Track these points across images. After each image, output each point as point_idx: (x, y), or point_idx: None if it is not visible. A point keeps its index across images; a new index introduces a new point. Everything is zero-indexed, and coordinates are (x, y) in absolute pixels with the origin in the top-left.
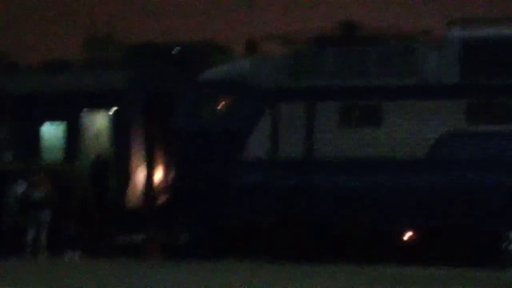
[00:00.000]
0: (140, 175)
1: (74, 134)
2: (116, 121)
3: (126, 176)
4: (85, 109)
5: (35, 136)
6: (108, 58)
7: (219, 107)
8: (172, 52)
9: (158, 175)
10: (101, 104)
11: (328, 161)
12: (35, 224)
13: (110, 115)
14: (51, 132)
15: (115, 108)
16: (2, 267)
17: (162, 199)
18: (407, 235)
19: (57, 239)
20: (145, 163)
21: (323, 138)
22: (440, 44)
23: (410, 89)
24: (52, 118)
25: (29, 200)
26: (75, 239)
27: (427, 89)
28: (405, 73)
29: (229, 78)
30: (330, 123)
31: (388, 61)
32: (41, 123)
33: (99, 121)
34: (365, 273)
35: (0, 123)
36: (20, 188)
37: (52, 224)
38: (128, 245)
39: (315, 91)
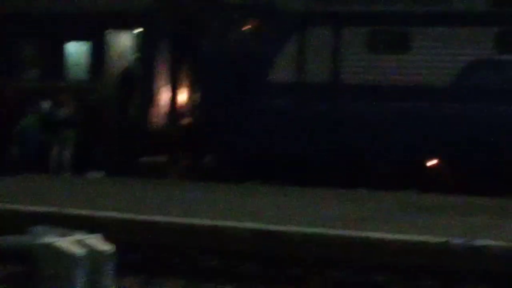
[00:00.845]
0: (165, 97)
1: (99, 53)
2: (141, 41)
3: (151, 96)
4: (110, 29)
5: (61, 55)
6: None
7: (245, 30)
8: None
9: (183, 97)
10: (126, 24)
11: (355, 86)
12: (60, 143)
13: (135, 35)
14: (76, 51)
15: (140, 29)
16: (27, 184)
17: (186, 121)
18: (432, 163)
19: (81, 158)
20: (170, 85)
21: (350, 64)
22: None
23: (438, 15)
24: (78, 37)
25: (54, 119)
26: (99, 158)
27: (456, 16)
28: None
29: (257, 1)
30: (357, 48)
31: None
32: (66, 42)
33: (124, 41)
34: (389, 199)
35: (27, 42)
36: (45, 106)
37: (76, 143)
38: (151, 165)
39: (343, 15)
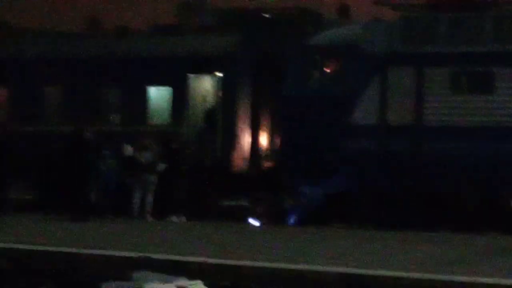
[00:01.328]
0: (246, 139)
1: (181, 98)
2: (223, 85)
3: (232, 140)
4: (192, 73)
5: (143, 99)
6: (215, 22)
7: (328, 72)
8: (281, 15)
9: (265, 139)
10: (208, 68)
11: (439, 128)
12: (142, 187)
13: (217, 79)
14: (158, 96)
15: (222, 72)
16: (109, 228)
17: (268, 163)
18: None
19: (163, 202)
20: (252, 127)
21: (434, 105)
22: None
23: None
24: (160, 82)
25: (136, 163)
26: (181, 202)
27: None
28: None
29: (340, 42)
30: (441, 89)
31: (502, 27)
32: (148, 86)
33: (206, 85)
34: (478, 242)
35: (109, 87)
36: (127, 151)
37: (159, 187)
38: (233, 209)
39: (426, 56)
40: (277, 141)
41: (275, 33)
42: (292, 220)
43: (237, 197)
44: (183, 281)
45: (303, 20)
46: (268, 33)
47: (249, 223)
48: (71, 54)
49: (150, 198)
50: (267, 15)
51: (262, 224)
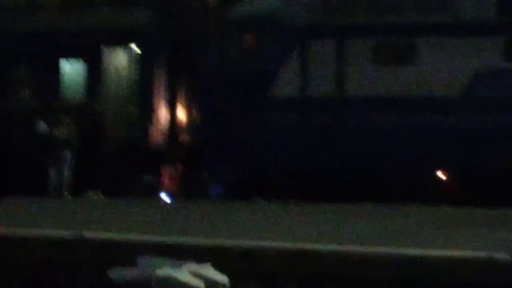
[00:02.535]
0: (163, 115)
1: (95, 72)
2: (139, 60)
3: (149, 115)
4: (107, 47)
5: (55, 74)
6: None
7: (247, 45)
8: None
9: (183, 115)
10: (124, 42)
11: (361, 100)
12: (57, 164)
13: (133, 53)
14: (72, 70)
15: (138, 47)
16: (25, 207)
17: (186, 139)
18: (440, 175)
19: (79, 179)
20: (169, 103)
21: (355, 77)
22: None
23: (445, 26)
24: (73, 56)
25: (50, 140)
26: (97, 178)
27: (463, 26)
28: (440, 9)
29: (259, 15)
30: (362, 61)
31: None
32: (61, 61)
33: (121, 60)
34: (397, 213)
35: (20, 62)
36: (41, 127)
37: (74, 163)
38: (149, 185)
39: (347, 28)
40: (196, 116)
41: (195, 5)
42: (212, 195)
43: (153, 172)
44: (193, 266)
45: None
46: (187, 6)
47: (161, 199)
48: None
49: (66, 175)
50: None
51: (174, 199)
